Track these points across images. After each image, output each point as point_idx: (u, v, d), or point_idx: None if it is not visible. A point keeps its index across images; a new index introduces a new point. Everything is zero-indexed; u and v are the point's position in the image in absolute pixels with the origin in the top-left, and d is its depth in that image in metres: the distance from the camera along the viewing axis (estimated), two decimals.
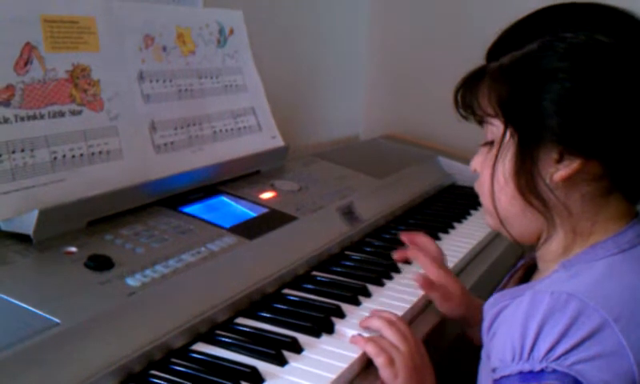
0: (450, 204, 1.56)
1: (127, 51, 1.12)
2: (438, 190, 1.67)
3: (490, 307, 0.81)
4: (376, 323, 0.88)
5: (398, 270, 1.12)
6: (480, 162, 0.81)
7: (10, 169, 0.89)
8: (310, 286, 1.03)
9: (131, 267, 0.85)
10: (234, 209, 1.15)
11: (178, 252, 0.92)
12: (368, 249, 1.22)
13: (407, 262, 1.13)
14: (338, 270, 1.11)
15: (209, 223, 1.03)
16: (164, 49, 1.19)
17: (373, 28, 2.19)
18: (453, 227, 1.39)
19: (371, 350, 0.83)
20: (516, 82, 0.73)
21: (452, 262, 1.19)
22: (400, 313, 0.95)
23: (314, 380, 0.77)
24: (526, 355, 0.69)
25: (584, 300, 0.68)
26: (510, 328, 0.71)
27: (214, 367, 0.78)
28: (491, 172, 0.77)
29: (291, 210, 1.17)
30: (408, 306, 0.99)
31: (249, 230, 1.05)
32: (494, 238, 1.36)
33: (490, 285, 1.15)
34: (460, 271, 1.21)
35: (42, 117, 0.94)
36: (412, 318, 1.00)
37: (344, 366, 0.81)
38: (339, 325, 0.91)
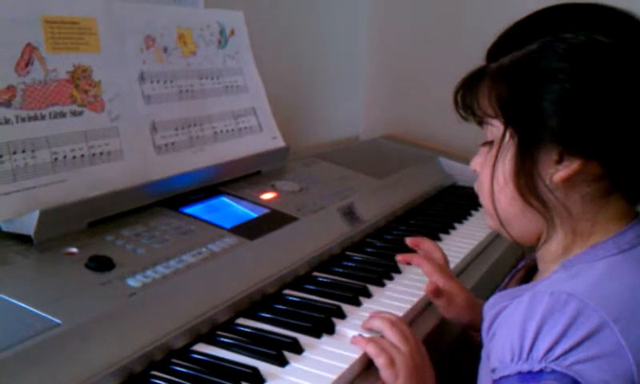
0: (451, 204, 1.56)
1: (128, 52, 1.12)
2: (438, 190, 1.67)
3: (489, 308, 0.81)
4: (377, 323, 0.88)
5: (398, 271, 1.12)
6: (480, 163, 0.81)
7: (11, 169, 0.89)
8: (310, 287, 1.03)
9: (132, 268, 0.85)
10: (234, 209, 1.15)
11: (179, 252, 0.92)
12: (369, 249, 1.22)
13: (408, 263, 1.12)
14: (339, 270, 1.11)
15: (210, 224, 1.04)
16: (165, 49, 1.20)
17: (373, 28, 2.19)
18: (453, 228, 1.39)
19: (372, 351, 0.83)
20: (516, 83, 0.73)
21: (453, 262, 1.19)
22: (400, 313, 0.95)
23: (314, 380, 0.77)
24: (525, 355, 0.69)
25: (583, 300, 0.68)
26: (510, 328, 0.71)
27: (215, 368, 0.78)
28: (491, 172, 0.77)
29: (292, 211, 1.17)
30: (408, 306, 1.00)
31: (250, 230, 1.05)
32: (495, 238, 1.36)
33: (490, 285, 1.15)
34: (461, 272, 1.21)
35: (42, 117, 0.94)
36: (412, 318, 1.00)
37: (345, 366, 0.81)
38: (340, 325, 0.91)
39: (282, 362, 0.80)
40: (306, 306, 0.96)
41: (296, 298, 0.99)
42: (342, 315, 0.94)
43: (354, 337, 0.86)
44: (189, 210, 1.07)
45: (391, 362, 0.82)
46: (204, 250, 0.95)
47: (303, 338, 0.86)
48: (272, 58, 1.61)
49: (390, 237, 1.30)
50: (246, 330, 0.87)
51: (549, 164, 0.73)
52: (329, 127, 2.04)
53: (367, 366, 0.84)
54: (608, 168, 0.72)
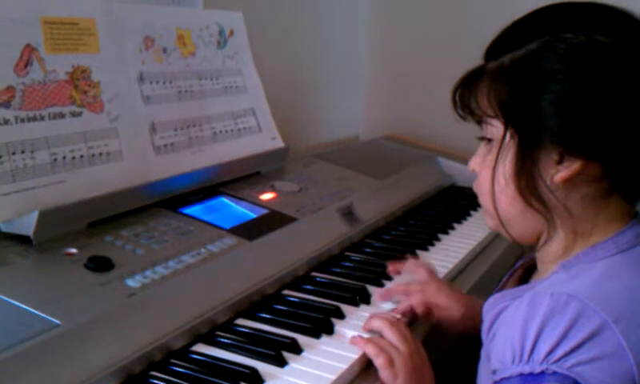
0: (450, 205, 1.56)
1: (127, 53, 1.12)
2: (437, 190, 1.67)
3: (489, 308, 0.81)
4: (377, 323, 0.88)
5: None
6: (478, 163, 0.81)
7: (10, 170, 0.89)
8: (309, 287, 1.03)
9: (131, 268, 0.85)
10: (233, 210, 1.15)
11: (178, 253, 0.92)
12: (368, 250, 1.22)
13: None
14: (338, 270, 1.11)
15: (209, 224, 1.04)
16: (164, 50, 1.19)
17: (373, 28, 2.19)
18: (452, 228, 1.39)
19: (371, 351, 0.83)
20: (516, 83, 0.73)
21: (452, 263, 1.19)
22: (399, 314, 0.95)
23: (313, 381, 0.77)
24: (526, 357, 0.68)
25: (584, 301, 0.68)
26: (510, 329, 0.71)
27: (214, 368, 0.78)
28: (492, 173, 0.77)
29: (291, 211, 1.17)
30: (408, 306, 0.99)
31: (249, 231, 1.05)
32: (494, 238, 1.36)
33: (489, 286, 1.14)
34: (460, 272, 1.21)
35: (42, 118, 0.94)
36: (412, 318, 1.00)
37: (344, 366, 0.81)
38: (339, 326, 0.91)
39: (281, 363, 0.80)
40: (305, 306, 0.96)
41: (295, 299, 0.99)
42: (341, 315, 0.94)
43: (353, 337, 0.87)
44: (188, 210, 1.07)
45: (390, 362, 0.82)
46: (203, 250, 0.95)
47: (302, 339, 0.86)
48: (271, 58, 1.61)
49: (389, 237, 1.30)
50: (245, 330, 0.87)
51: (549, 164, 0.72)
52: (328, 127, 2.04)
53: (366, 366, 0.84)
54: (608, 169, 0.72)
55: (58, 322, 0.71)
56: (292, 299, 0.99)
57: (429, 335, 0.97)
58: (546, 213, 0.74)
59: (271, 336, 0.86)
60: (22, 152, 0.91)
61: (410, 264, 1.09)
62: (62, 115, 0.97)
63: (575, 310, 0.67)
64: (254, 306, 0.94)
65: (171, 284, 0.85)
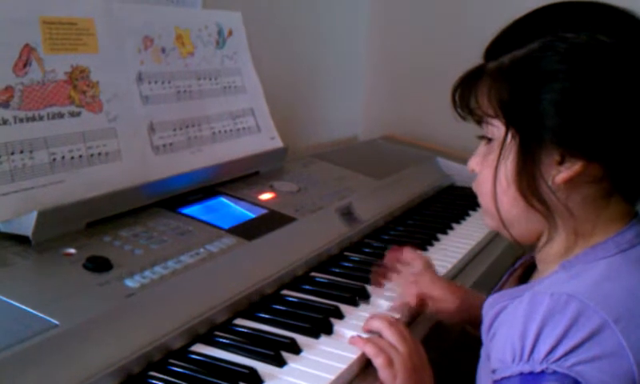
0: (449, 205, 1.56)
1: (126, 53, 1.12)
2: (436, 190, 1.67)
3: (489, 307, 0.81)
4: (376, 323, 0.88)
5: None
6: (478, 162, 0.81)
7: (9, 170, 0.89)
8: (308, 287, 1.03)
9: (130, 268, 0.85)
10: (232, 210, 1.15)
11: (177, 253, 0.92)
12: (367, 250, 1.22)
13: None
14: (337, 270, 1.11)
15: (208, 224, 1.03)
16: (163, 50, 1.19)
17: (373, 28, 2.19)
18: (451, 228, 1.39)
19: (370, 351, 0.83)
20: (516, 83, 0.73)
21: (451, 263, 1.19)
22: (398, 314, 0.95)
23: (312, 381, 0.77)
24: (526, 356, 0.68)
25: (584, 301, 0.68)
26: (510, 329, 0.71)
27: (213, 368, 0.78)
28: (494, 173, 0.76)
29: (290, 211, 1.17)
30: (407, 306, 0.99)
31: (248, 231, 1.05)
32: (493, 238, 1.36)
33: (489, 285, 1.14)
34: (459, 272, 1.21)
35: (40, 118, 0.94)
36: (411, 318, 1.00)
37: (343, 366, 0.81)
38: (338, 326, 0.91)
39: (280, 363, 0.80)
40: (304, 306, 0.96)
41: (294, 299, 0.99)
42: (340, 315, 0.94)
43: (352, 337, 0.86)
44: (187, 210, 1.07)
45: (389, 362, 0.81)
46: (202, 250, 0.94)
47: (301, 339, 0.86)
48: (270, 58, 1.61)
49: (388, 237, 1.30)
50: (244, 330, 0.87)
51: (551, 165, 0.72)
52: (327, 127, 2.04)
53: (365, 366, 0.84)
54: (609, 170, 0.71)
55: (56, 322, 0.71)
56: (291, 299, 0.99)
57: (429, 335, 0.97)
58: (547, 213, 0.74)
59: (270, 336, 0.86)
60: (21, 152, 0.91)
61: (407, 253, 1.09)
62: (60, 115, 0.97)
63: (575, 309, 0.67)
64: (252, 306, 0.94)
65: (170, 284, 0.85)
